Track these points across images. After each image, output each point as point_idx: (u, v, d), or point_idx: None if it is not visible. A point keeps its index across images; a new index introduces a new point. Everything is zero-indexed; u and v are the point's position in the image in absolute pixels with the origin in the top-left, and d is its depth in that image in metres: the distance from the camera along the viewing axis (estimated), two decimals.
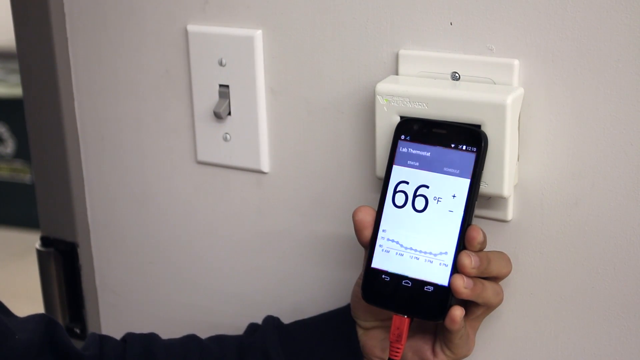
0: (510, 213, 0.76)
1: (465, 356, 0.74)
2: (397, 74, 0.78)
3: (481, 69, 0.74)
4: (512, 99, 0.70)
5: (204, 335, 0.85)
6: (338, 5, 0.80)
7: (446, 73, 0.75)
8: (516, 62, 0.72)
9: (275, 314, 0.86)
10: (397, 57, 0.78)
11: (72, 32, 0.97)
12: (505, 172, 0.72)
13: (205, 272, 0.98)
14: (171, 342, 0.84)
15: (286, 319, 0.84)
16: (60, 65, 0.98)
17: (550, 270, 0.76)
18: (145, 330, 0.87)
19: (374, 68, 0.80)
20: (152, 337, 0.84)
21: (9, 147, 3.61)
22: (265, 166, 0.89)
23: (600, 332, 0.76)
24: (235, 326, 0.92)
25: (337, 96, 0.83)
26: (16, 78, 3.32)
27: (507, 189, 0.72)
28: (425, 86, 0.74)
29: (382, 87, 0.75)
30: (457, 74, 0.75)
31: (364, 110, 0.81)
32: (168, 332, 0.87)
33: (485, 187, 0.72)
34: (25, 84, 1.01)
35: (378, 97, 0.75)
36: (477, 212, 0.77)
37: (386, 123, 0.75)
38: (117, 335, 0.85)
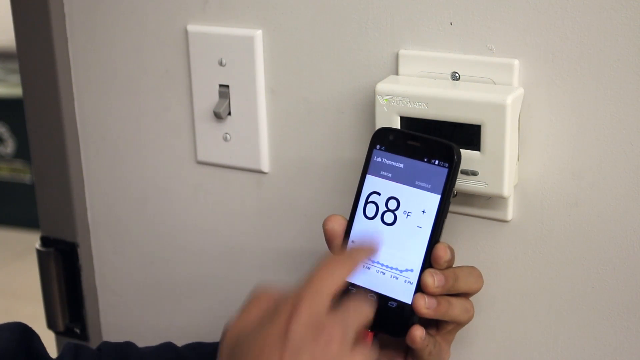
0: (510, 213, 0.76)
1: None
2: (397, 74, 0.78)
3: (481, 69, 0.74)
4: (512, 99, 0.70)
5: (200, 338, 0.85)
6: (338, 5, 0.80)
7: (446, 73, 0.75)
8: (516, 62, 0.72)
9: None
10: (397, 57, 0.78)
11: (72, 32, 0.97)
12: (505, 172, 0.71)
13: (205, 272, 0.97)
14: (147, 350, 0.83)
15: None
16: (60, 65, 0.98)
17: (550, 270, 0.76)
18: (145, 330, 0.87)
19: (374, 68, 0.80)
20: (127, 346, 0.83)
21: (9, 147, 3.61)
22: (265, 166, 0.89)
23: (600, 332, 0.76)
24: None
25: (337, 96, 0.83)
26: (16, 78, 3.32)
27: (507, 189, 0.72)
28: (425, 86, 0.74)
29: (382, 87, 0.75)
30: (457, 74, 0.75)
31: (364, 110, 0.81)
32: (168, 332, 0.87)
33: (485, 187, 0.72)
34: (25, 84, 1.01)
35: (378, 97, 0.75)
36: (477, 212, 0.77)
37: (386, 123, 0.75)
38: (117, 336, 0.85)
